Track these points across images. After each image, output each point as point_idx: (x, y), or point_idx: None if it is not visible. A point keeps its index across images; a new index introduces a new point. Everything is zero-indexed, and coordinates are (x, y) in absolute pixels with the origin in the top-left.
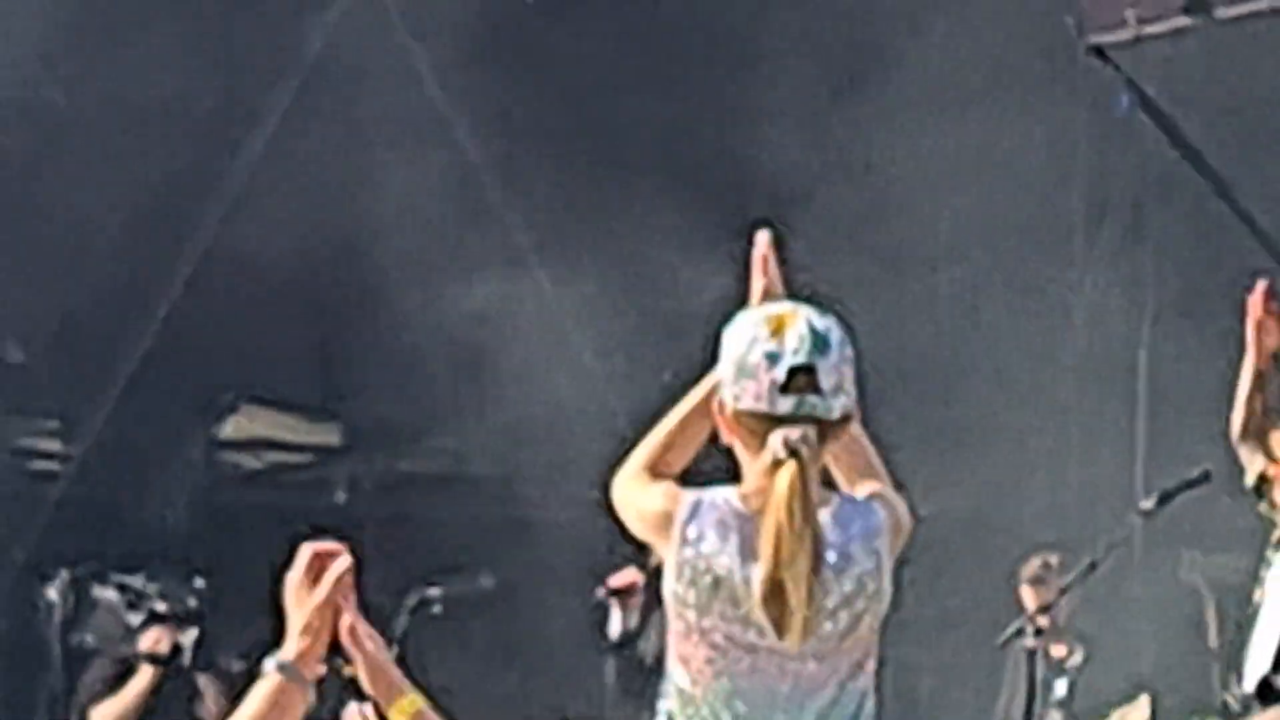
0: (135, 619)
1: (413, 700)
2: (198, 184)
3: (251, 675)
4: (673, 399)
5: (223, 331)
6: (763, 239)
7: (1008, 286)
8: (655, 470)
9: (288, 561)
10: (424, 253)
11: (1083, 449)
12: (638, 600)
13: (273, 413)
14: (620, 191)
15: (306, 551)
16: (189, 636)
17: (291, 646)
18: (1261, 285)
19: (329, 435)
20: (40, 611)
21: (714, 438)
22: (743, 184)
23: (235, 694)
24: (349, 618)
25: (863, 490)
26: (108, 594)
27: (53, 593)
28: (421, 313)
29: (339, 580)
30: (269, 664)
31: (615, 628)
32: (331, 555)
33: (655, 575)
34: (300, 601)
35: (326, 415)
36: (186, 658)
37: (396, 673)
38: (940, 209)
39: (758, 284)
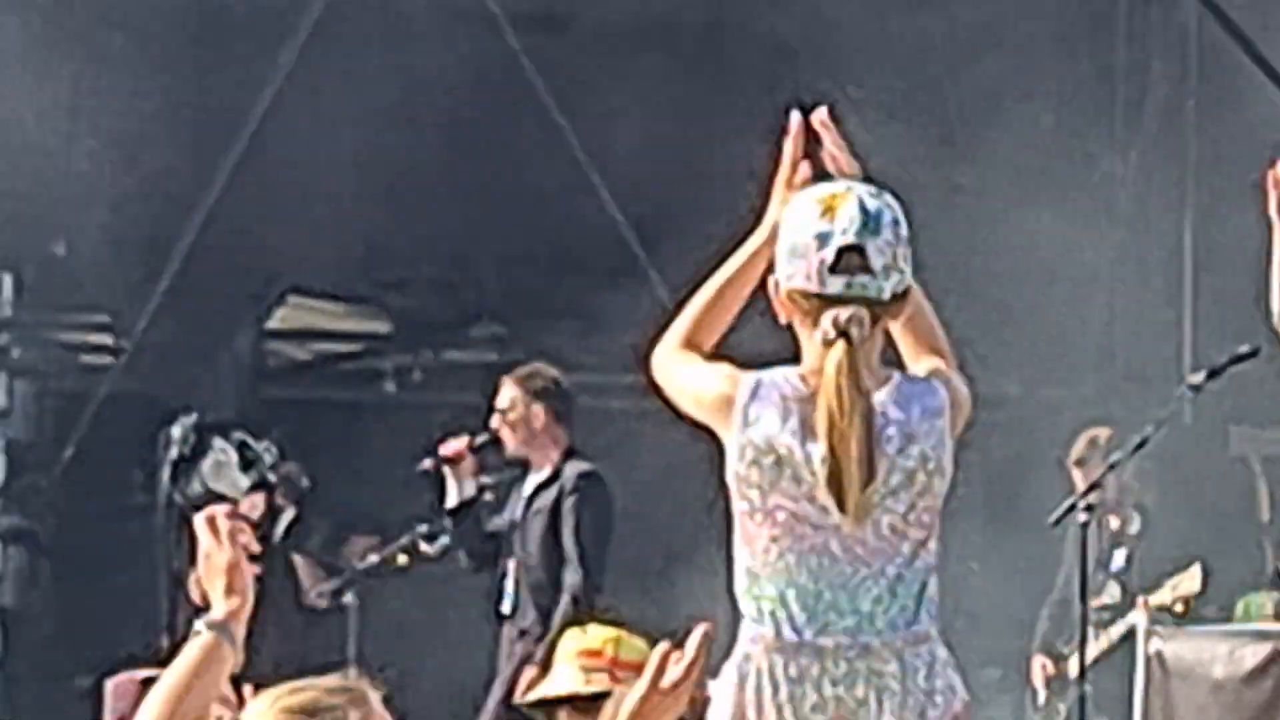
0: (245, 481)
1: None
2: (243, 77)
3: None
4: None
5: (269, 223)
6: (796, 120)
7: (1052, 164)
8: (691, 345)
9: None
10: (472, 141)
11: (1130, 325)
12: (469, 467)
13: (320, 303)
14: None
15: (200, 524)
16: (287, 514)
17: (220, 607)
18: None
19: (377, 325)
20: (159, 448)
21: (775, 317)
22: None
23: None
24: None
25: (923, 367)
26: (229, 450)
27: (176, 430)
28: (468, 201)
29: (235, 536)
30: (199, 624)
31: (452, 496)
32: (222, 517)
33: (483, 446)
34: (213, 569)
35: (374, 305)
36: (279, 534)
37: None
38: (978, 86)
39: (788, 164)
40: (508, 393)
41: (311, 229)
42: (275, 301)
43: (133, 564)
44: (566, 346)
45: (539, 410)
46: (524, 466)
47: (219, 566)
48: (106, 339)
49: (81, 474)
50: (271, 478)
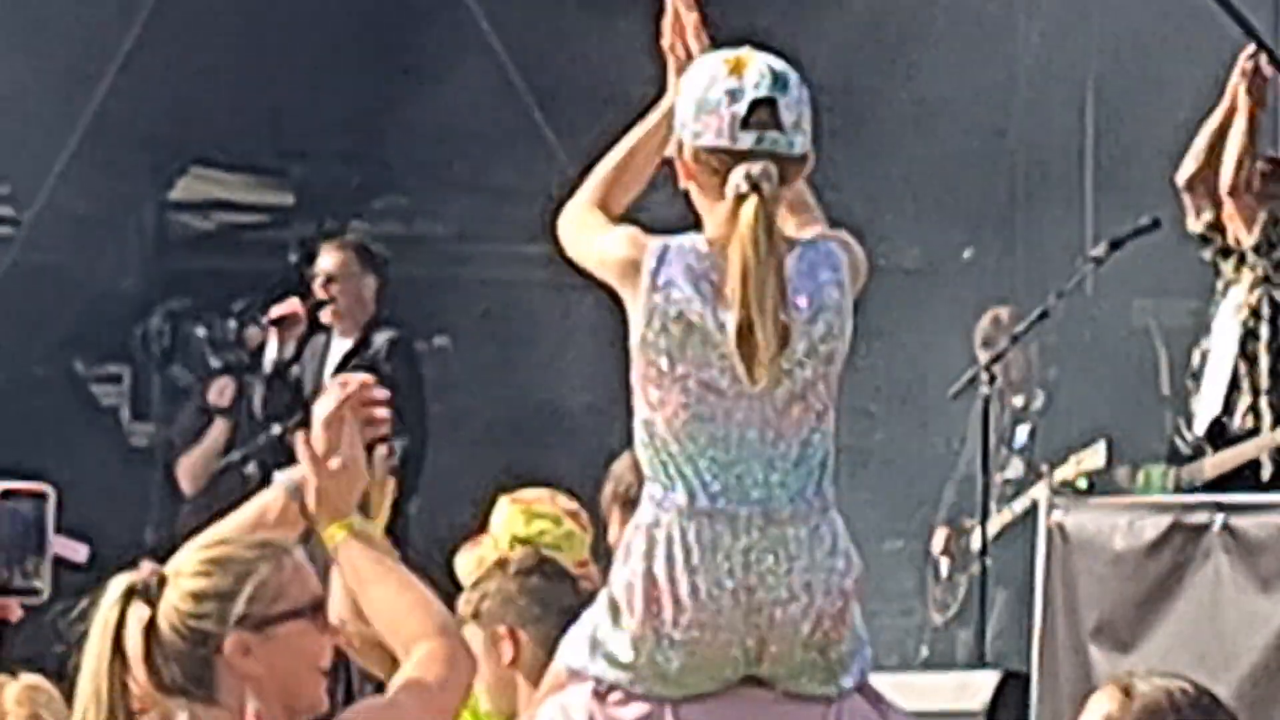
0: (215, 362)
1: (348, 522)
2: None
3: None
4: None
5: (172, 94)
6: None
7: (951, 37)
8: (600, 207)
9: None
10: (374, 11)
11: (1032, 197)
12: (297, 331)
13: (223, 174)
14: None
15: (336, 381)
16: (259, 393)
17: (302, 469)
18: (1250, 50)
19: (280, 196)
20: (139, 341)
21: (676, 183)
22: None
23: None
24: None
25: (811, 234)
26: (199, 331)
27: (155, 322)
28: (371, 72)
29: (347, 398)
30: (279, 477)
31: (270, 356)
32: (360, 385)
33: (316, 308)
34: (314, 425)
35: (277, 176)
36: (256, 410)
37: (348, 500)
38: None
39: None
40: (339, 256)
41: (215, 100)
42: (178, 172)
43: (36, 438)
44: (469, 217)
45: (371, 281)
46: (325, 331)
47: (317, 421)
48: (8, 210)
49: None
50: (231, 358)
